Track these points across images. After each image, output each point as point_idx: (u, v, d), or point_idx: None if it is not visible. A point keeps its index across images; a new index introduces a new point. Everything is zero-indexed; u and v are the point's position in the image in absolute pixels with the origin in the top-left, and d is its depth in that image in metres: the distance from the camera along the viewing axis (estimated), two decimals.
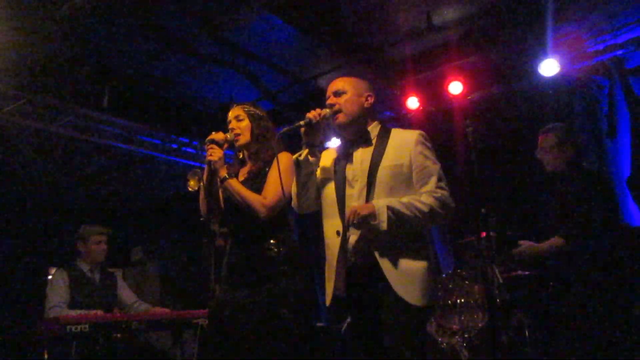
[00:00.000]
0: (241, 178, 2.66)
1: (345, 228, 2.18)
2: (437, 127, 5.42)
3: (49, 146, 5.24)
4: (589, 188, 3.10)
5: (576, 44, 4.62)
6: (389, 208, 2.06)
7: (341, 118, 2.28)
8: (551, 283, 3.25)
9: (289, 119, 5.39)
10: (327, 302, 2.22)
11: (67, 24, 3.84)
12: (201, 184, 2.59)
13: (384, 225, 2.04)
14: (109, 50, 4.56)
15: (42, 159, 5.44)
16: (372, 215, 2.04)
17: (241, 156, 2.75)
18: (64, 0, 3.62)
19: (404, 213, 2.08)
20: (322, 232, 2.34)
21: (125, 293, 4.21)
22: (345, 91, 2.31)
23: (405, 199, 2.12)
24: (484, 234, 2.99)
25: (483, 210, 2.79)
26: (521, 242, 3.24)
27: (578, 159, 3.30)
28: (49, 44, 4.09)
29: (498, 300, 3.84)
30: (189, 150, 6.10)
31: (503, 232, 3.25)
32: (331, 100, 2.31)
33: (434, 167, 2.21)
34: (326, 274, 2.26)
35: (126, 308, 4.13)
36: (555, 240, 3.13)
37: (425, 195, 2.15)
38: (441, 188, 2.18)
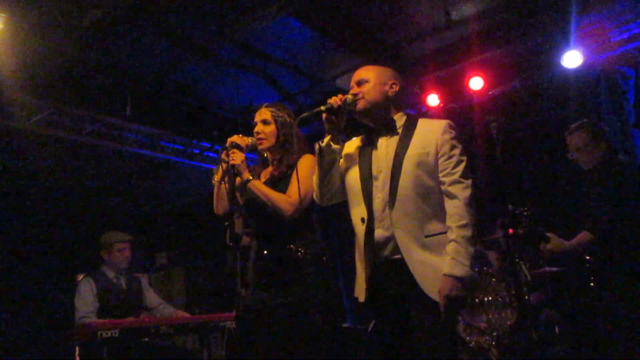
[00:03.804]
0: (263, 179, 2.66)
1: (370, 217, 2.15)
2: (458, 123, 5.35)
3: (74, 155, 5.33)
4: (628, 180, 3.04)
5: (600, 34, 4.52)
6: (462, 266, 2.02)
7: (362, 104, 2.25)
8: (592, 277, 3.17)
9: (309, 120, 5.38)
10: (361, 298, 2.18)
11: (89, 34, 3.90)
12: (216, 182, 2.59)
13: (468, 273, 2.03)
14: (130, 59, 4.62)
15: (68, 167, 5.54)
16: (461, 291, 2.02)
17: (265, 156, 2.74)
18: (85, 11, 3.68)
19: (468, 256, 2.04)
20: (351, 222, 2.28)
21: (150, 295, 4.26)
22: (368, 80, 2.28)
23: (452, 247, 2.05)
24: (511, 231, 2.95)
25: (510, 207, 2.74)
26: (549, 234, 3.16)
27: (613, 151, 3.24)
28: (72, 54, 4.17)
29: (527, 297, 3.79)
30: (211, 154, 6.16)
31: (532, 228, 3.18)
32: (354, 90, 2.28)
33: (460, 158, 2.17)
34: (357, 267, 2.23)
35: (152, 311, 4.17)
36: (584, 236, 3.07)
37: (455, 218, 2.08)
38: (466, 185, 2.12)
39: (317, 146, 2.26)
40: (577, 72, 4.68)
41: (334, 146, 2.23)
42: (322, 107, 2.21)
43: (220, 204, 2.60)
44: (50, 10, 3.61)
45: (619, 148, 4.55)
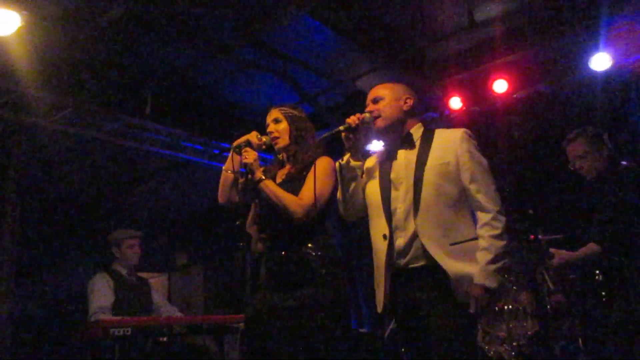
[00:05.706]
0: (279, 180, 2.63)
1: (392, 231, 2.19)
2: (481, 127, 5.25)
3: (95, 153, 5.38)
4: (631, 187, 2.92)
5: (630, 36, 4.38)
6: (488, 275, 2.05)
7: (380, 123, 2.34)
8: (602, 292, 3.07)
9: (329, 122, 5.34)
10: (379, 309, 2.23)
11: (109, 33, 3.92)
12: (224, 170, 2.60)
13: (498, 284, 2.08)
14: (151, 58, 4.64)
15: (88, 165, 5.59)
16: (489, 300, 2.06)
17: (281, 158, 2.74)
18: (104, 10, 3.70)
19: (499, 268, 2.08)
20: (370, 236, 2.35)
21: (156, 294, 4.27)
22: (383, 97, 2.37)
23: (483, 256, 2.07)
24: (532, 237, 2.86)
25: (531, 211, 2.66)
26: (552, 250, 3.08)
27: (616, 157, 3.11)
28: (92, 52, 4.20)
29: (549, 307, 3.67)
30: None
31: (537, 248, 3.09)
32: (370, 107, 2.38)
33: (483, 165, 2.21)
34: (375, 280, 2.27)
35: (156, 310, 4.16)
36: (590, 247, 2.97)
37: (487, 227, 2.11)
38: (494, 195, 2.15)
39: (337, 164, 2.36)
40: (606, 75, 4.54)
41: (354, 163, 2.32)
42: (341, 127, 2.32)
43: (224, 193, 2.61)
44: (70, 7, 3.63)
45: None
